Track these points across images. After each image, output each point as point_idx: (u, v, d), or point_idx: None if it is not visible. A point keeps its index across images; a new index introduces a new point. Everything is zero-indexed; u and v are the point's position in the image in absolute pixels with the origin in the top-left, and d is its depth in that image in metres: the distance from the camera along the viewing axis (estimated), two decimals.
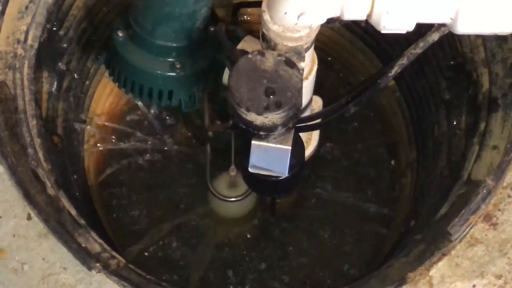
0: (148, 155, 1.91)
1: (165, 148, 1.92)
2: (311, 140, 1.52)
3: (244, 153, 1.18)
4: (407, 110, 1.73)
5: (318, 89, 1.39)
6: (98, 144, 1.77)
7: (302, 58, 1.11)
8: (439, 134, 1.53)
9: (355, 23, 1.68)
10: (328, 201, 1.88)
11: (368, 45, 1.78)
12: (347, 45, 1.83)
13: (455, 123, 1.45)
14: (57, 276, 1.15)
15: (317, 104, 1.51)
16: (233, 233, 1.87)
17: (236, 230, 1.87)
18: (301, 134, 1.26)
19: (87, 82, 1.66)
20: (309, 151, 1.52)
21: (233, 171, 1.62)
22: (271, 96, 1.05)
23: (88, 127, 1.68)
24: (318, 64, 1.29)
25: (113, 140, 1.87)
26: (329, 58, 1.89)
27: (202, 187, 1.79)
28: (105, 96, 1.78)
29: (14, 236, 1.18)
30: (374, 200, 1.88)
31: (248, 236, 1.86)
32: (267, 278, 1.80)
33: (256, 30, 1.17)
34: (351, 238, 1.84)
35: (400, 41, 1.58)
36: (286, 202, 1.85)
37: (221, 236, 1.85)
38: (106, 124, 1.81)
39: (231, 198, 1.68)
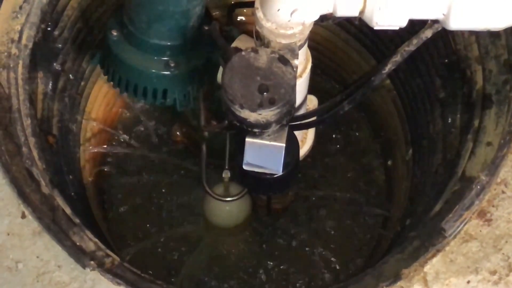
0: (142, 158, 1.91)
1: (160, 152, 1.92)
2: (306, 139, 1.52)
3: (238, 151, 1.18)
4: (403, 109, 1.73)
5: (312, 89, 1.39)
6: (94, 146, 1.77)
7: (295, 56, 1.12)
8: (434, 132, 1.52)
9: (350, 22, 1.69)
10: (324, 201, 1.88)
11: (364, 44, 1.78)
12: (342, 45, 1.83)
13: (450, 121, 1.45)
14: (52, 274, 1.15)
15: (312, 103, 1.51)
16: (226, 242, 1.86)
17: (229, 239, 1.87)
18: (296, 133, 1.27)
19: (82, 83, 1.66)
20: (304, 150, 1.52)
21: (226, 174, 1.62)
22: (265, 93, 1.06)
23: (83, 127, 1.68)
24: (313, 64, 1.29)
25: (109, 142, 1.87)
26: (324, 58, 1.89)
27: (198, 191, 1.79)
28: (100, 98, 1.77)
29: (8, 234, 1.18)
30: (371, 200, 1.88)
31: (243, 243, 1.86)
32: (264, 282, 1.80)
33: (252, 31, 1.17)
34: (348, 238, 1.84)
35: (395, 40, 1.58)
36: (281, 204, 1.85)
37: (215, 245, 1.85)
38: (102, 125, 1.81)
39: (226, 198, 1.67)
